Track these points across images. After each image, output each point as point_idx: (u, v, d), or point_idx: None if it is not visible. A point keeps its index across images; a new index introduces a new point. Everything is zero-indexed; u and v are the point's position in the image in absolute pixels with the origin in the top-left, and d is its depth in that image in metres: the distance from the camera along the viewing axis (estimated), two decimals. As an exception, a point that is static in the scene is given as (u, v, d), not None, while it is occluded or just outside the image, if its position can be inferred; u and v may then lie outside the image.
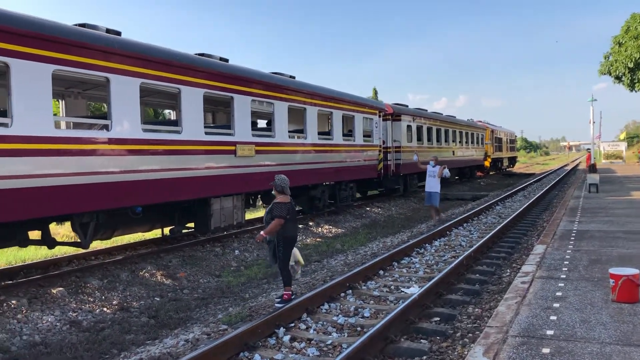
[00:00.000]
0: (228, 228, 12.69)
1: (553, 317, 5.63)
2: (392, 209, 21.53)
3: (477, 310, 7.07)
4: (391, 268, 9.63)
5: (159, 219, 11.76)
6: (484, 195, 25.46)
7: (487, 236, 11.64)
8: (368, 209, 20.67)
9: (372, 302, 7.52)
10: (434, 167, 15.75)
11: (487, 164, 40.50)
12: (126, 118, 9.45)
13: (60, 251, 12.15)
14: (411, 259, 10.34)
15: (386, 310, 6.96)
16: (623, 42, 25.52)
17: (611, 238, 10.16)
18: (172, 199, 10.63)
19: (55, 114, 9.98)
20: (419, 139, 25.71)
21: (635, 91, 26.21)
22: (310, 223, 16.48)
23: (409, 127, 24.20)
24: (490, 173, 43.64)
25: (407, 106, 25.90)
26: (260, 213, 18.46)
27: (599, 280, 7.03)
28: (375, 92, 71.05)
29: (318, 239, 15.01)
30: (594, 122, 22.86)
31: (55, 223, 10.13)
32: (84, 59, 8.79)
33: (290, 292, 7.48)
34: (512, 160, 54.81)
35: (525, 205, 17.87)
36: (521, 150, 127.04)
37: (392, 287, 8.31)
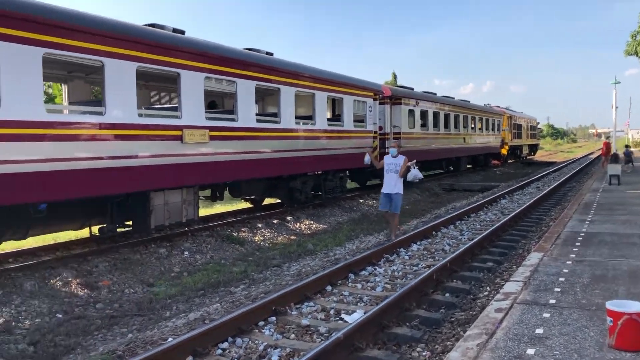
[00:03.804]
0: (175, 226, 10.99)
1: (520, 378, 3.84)
2: (389, 201, 19.63)
3: (425, 354, 5.22)
4: (344, 282, 7.79)
5: (92, 215, 10.11)
6: (494, 186, 23.36)
7: (474, 240, 9.71)
8: (362, 201, 18.80)
9: (293, 336, 5.71)
10: (394, 156, 10.72)
11: (504, 151, 38.14)
12: (21, 97, 7.73)
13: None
14: (375, 269, 8.47)
15: (305, 352, 5.16)
16: (652, 17, 23.00)
17: (625, 244, 8.27)
18: (91, 193, 8.93)
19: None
20: (424, 124, 23.65)
21: (666, 73, 23.70)
22: (288, 218, 14.69)
23: (411, 111, 22.16)
24: (509, 161, 41.27)
25: (412, 89, 23.88)
26: (223, 208, 16.71)
27: (597, 309, 5.21)
28: (395, 77, 68.17)
29: (292, 237, 13.24)
30: (617, 107, 20.54)
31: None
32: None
33: None
34: (533, 148, 52.14)
35: (534, 199, 15.84)
36: (547, 138, 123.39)
37: (333, 312, 6.48)
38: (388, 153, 10.93)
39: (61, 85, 12.60)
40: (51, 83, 20.58)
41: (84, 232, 11.15)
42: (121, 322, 7.39)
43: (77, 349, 6.48)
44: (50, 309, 7.82)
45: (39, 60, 7.92)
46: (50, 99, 23.47)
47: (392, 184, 10.61)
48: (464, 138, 29.16)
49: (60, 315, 7.61)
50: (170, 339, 5.53)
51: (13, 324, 7.24)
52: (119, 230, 10.58)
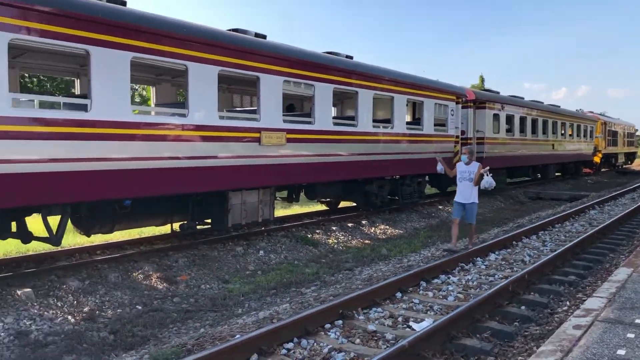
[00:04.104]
0: (252, 225, 11.24)
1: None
2: (469, 208, 19.06)
3: (493, 369, 5.01)
4: (415, 290, 7.62)
5: (173, 213, 10.53)
6: (584, 195, 22.08)
7: (556, 252, 9.22)
8: (441, 207, 18.38)
9: (358, 341, 5.65)
10: (467, 163, 10.06)
11: (596, 159, 36.00)
12: (110, 98, 8.19)
13: (78, 241, 11.33)
14: (448, 277, 8.24)
15: (368, 357, 5.10)
16: None
17: None
18: (172, 191, 9.32)
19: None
20: (509, 129, 22.78)
21: None
22: (363, 222, 14.63)
23: (495, 115, 21.41)
24: (602, 170, 38.93)
25: (497, 92, 23.11)
26: (299, 209, 16.82)
27: (691, 334, 4.78)
28: (482, 80, 66.51)
29: (366, 241, 13.18)
30: None
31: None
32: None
33: None
34: (630, 157, 48.86)
35: (627, 211, 14.80)
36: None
37: (401, 319, 6.36)
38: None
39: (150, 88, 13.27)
40: (145, 86, 21.72)
41: (166, 228, 11.65)
42: (195, 316, 7.65)
43: (151, 340, 6.78)
44: (131, 300, 8.23)
45: (127, 64, 8.36)
46: (144, 101, 24.82)
47: (467, 193, 10.05)
48: (553, 144, 27.81)
49: (139, 307, 7.99)
50: (237, 336, 5.64)
51: (97, 312, 7.69)
52: (198, 227, 10.95)
